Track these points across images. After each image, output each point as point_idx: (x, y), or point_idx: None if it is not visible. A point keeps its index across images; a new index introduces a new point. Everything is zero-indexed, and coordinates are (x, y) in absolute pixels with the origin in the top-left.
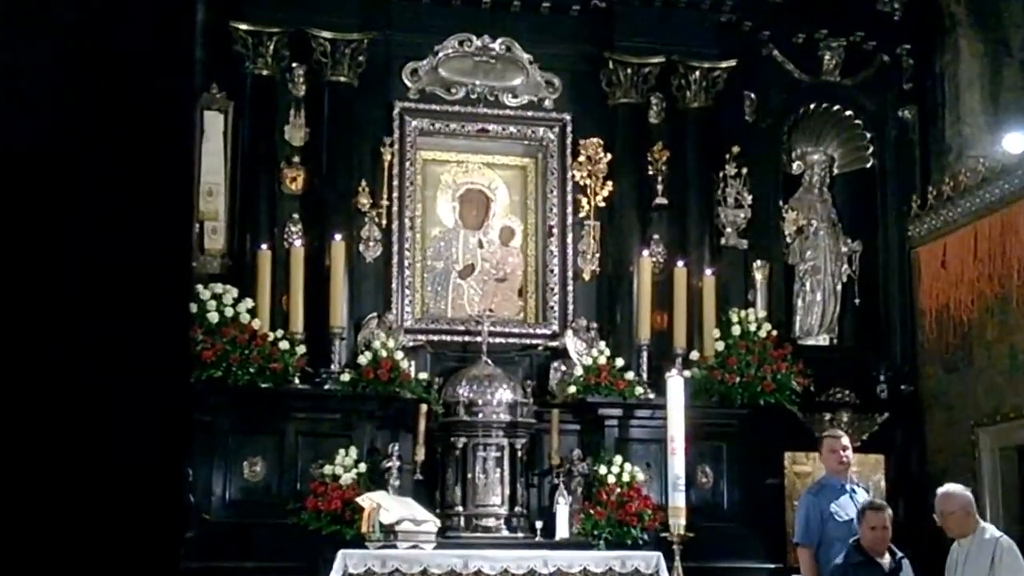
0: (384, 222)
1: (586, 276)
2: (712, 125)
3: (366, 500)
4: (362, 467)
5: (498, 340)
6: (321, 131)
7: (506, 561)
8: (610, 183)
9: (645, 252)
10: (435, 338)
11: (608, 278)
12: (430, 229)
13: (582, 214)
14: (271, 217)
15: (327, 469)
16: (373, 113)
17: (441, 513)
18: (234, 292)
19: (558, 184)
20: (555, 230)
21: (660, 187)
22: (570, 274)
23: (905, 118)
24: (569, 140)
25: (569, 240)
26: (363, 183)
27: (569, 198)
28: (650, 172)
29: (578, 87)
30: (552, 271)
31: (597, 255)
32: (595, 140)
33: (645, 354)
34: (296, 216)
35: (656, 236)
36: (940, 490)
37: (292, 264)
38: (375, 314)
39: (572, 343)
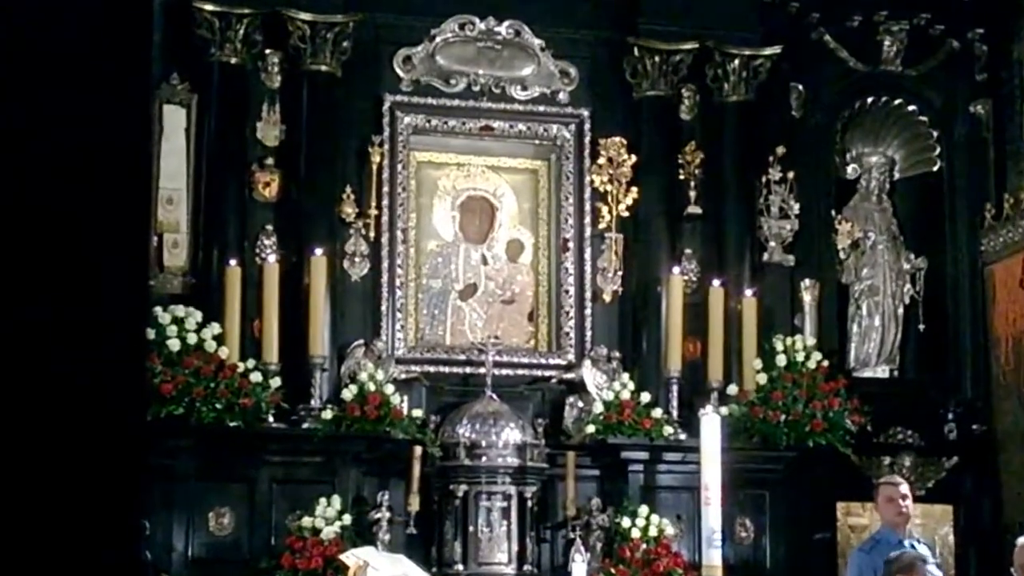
0: (372, 234)
1: (607, 297)
2: (753, 122)
3: (351, 557)
4: (346, 519)
5: (504, 372)
6: (299, 129)
7: None
8: (635, 189)
9: (675, 269)
10: (431, 369)
11: (632, 300)
12: (426, 243)
13: (602, 225)
14: (241, 229)
15: (306, 521)
16: (359, 108)
17: (439, 572)
18: (198, 316)
19: (574, 190)
20: (571, 244)
21: (693, 194)
22: (588, 295)
23: (977, 114)
24: (587, 139)
25: (587, 255)
26: (348, 189)
27: (587, 207)
28: (681, 176)
29: (598, 78)
30: (567, 291)
31: (619, 273)
32: (617, 139)
33: (675, 388)
34: (270, 227)
35: (688, 251)
36: (1020, 540)
37: (265, 283)
38: (362, 341)
39: (590, 375)
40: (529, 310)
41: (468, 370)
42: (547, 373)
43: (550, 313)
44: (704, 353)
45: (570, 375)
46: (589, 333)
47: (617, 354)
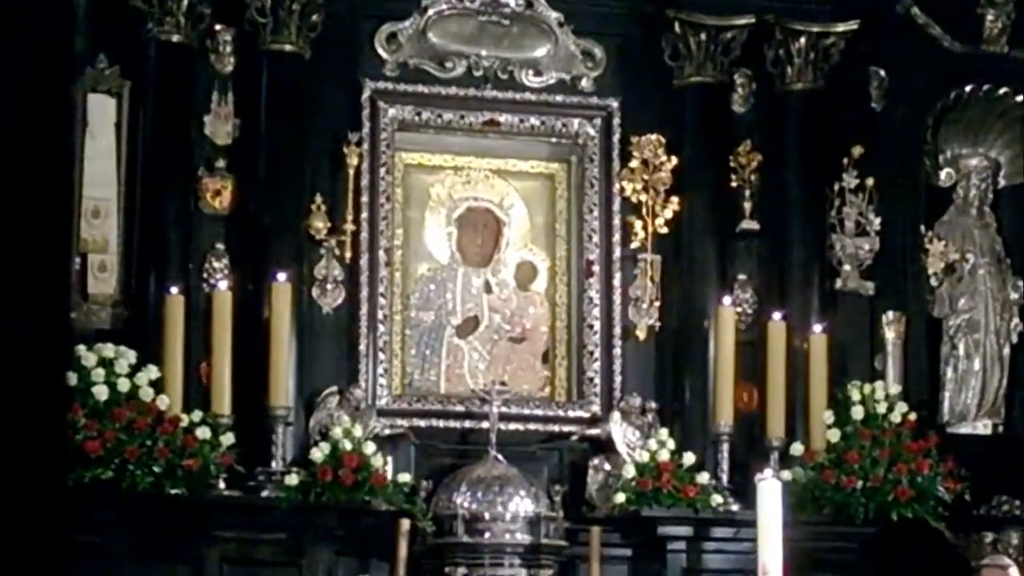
0: (348, 255)
1: (640, 334)
2: (824, 116)
3: None
4: None
5: (513, 427)
6: (257, 124)
7: None
8: (675, 200)
9: (726, 299)
10: (422, 423)
11: (672, 337)
12: (415, 266)
13: (635, 244)
14: (185, 248)
15: None
16: (333, 98)
17: None
18: (131, 356)
19: (600, 201)
20: (596, 268)
21: (748, 205)
22: (617, 331)
23: None
24: (616, 137)
25: (616, 282)
26: (318, 199)
27: (616, 221)
28: (734, 184)
29: (630, 61)
30: (591, 327)
31: (656, 303)
32: (654, 137)
33: (725, 447)
34: (221, 246)
35: (742, 276)
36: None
37: (215, 316)
38: (335, 389)
39: (620, 431)
40: (543, 350)
41: (468, 424)
42: (566, 428)
43: (570, 354)
44: (762, 404)
45: (595, 431)
46: (619, 379)
47: (653, 405)
